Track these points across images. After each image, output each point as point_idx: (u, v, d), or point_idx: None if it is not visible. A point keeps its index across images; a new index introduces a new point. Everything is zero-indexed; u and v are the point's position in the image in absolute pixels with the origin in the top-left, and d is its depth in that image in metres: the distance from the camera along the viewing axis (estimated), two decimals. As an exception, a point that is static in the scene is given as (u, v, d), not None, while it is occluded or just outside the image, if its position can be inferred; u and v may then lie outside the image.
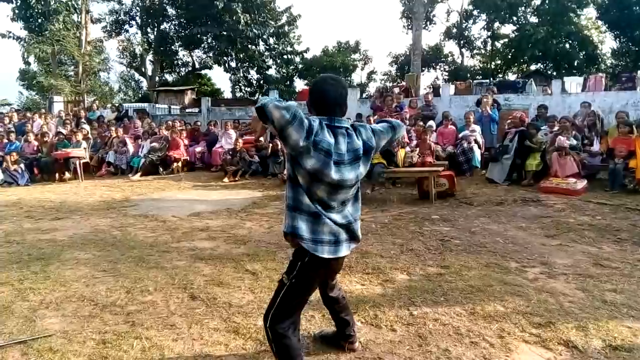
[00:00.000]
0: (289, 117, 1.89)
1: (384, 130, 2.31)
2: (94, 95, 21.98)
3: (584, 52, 26.47)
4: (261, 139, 10.93)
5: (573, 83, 15.40)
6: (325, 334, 2.78)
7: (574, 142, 7.86)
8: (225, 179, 9.89)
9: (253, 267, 4.13)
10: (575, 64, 26.39)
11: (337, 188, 2.07)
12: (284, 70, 29.37)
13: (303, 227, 2.06)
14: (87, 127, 12.86)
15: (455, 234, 5.21)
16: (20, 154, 10.94)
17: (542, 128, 8.87)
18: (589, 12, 27.58)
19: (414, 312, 3.14)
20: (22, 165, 10.46)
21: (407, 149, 8.90)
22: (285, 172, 2.12)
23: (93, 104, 16.79)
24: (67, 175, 10.62)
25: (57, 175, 10.69)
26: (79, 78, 19.72)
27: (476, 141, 9.52)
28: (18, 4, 19.76)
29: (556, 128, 8.47)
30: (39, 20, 20.21)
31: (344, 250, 2.17)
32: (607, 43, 28.57)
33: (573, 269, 3.98)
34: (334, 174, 2.01)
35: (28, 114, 14.91)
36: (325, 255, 2.10)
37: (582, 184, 7.29)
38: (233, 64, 27.80)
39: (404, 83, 17.85)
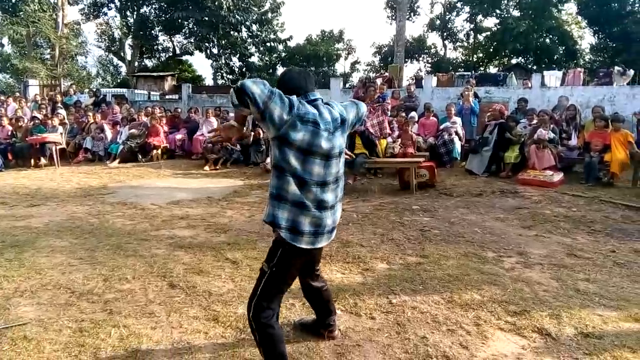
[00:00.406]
0: (267, 92, 1.93)
1: (349, 104, 2.41)
2: (70, 80, 21.46)
3: (563, 47, 26.95)
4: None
5: (552, 77, 15.65)
6: (305, 322, 2.80)
7: (552, 135, 8.01)
8: (206, 167, 9.80)
9: (233, 255, 4.12)
10: (555, 59, 26.87)
11: (329, 159, 2.12)
12: (266, 58, 29.15)
13: (284, 217, 2.08)
14: (63, 112, 12.53)
15: (434, 224, 5.28)
16: (-7, 139, 10.63)
17: (521, 121, 9.01)
18: (570, 8, 28.11)
19: (393, 300, 3.18)
20: (-5, 151, 10.17)
21: (389, 139, 8.94)
22: (267, 160, 2.13)
23: (70, 89, 16.38)
24: (43, 161, 10.36)
25: (32, 161, 10.42)
26: (56, 61, 19.20)
27: (457, 133, 9.61)
28: (-10, -18, 19.11)
29: (535, 121, 8.61)
30: (13, 1, 19.56)
31: (324, 241, 2.21)
32: (586, 38, 29.26)
33: (548, 259, 4.08)
34: (325, 143, 2.08)
35: (2, 98, 14.45)
36: (303, 246, 2.13)
37: (558, 176, 7.45)
38: (215, 51, 27.45)
39: (387, 74, 17.88)
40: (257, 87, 1.91)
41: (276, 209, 2.08)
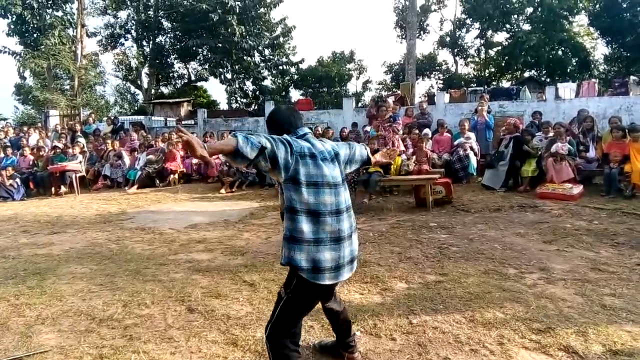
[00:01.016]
0: (272, 142, 1.98)
1: (342, 143, 2.51)
2: (90, 109, 21.98)
3: (576, 59, 26.77)
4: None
5: (567, 89, 15.53)
6: (324, 344, 2.77)
7: (569, 147, 7.90)
8: (222, 190, 9.88)
9: (251, 278, 4.11)
10: (569, 71, 26.67)
11: (336, 187, 2.19)
12: (279, 81, 29.53)
13: (302, 258, 2.09)
14: (82, 140, 12.83)
15: (453, 241, 5.21)
16: (15, 169, 10.92)
17: (537, 134, 8.91)
18: (581, 19, 28.00)
19: (414, 320, 3.13)
20: (17, 180, 10.43)
21: (403, 157, 8.91)
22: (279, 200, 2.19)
23: (89, 118, 16.79)
24: (63, 189, 10.59)
25: (53, 189, 10.66)
26: (75, 92, 19.73)
27: (472, 148, 9.54)
28: (13, 19, 19.85)
29: (551, 134, 8.51)
30: (35, 35, 20.30)
31: (346, 273, 2.22)
32: (599, 49, 28.96)
33: (571, 274, 3.98)
34: (327, 170, 2.16)
35: (24, 128, 14.89)
36: (327, 282, 2.14)
37: (578, 189, 7.32)
38: (229, 76, 27.94)
39: (399, 92, 17.94)
40: (266, 142, 1.95)
41: (293, 251, 2.10)
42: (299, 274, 2.10)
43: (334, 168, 2.23)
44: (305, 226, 2.08)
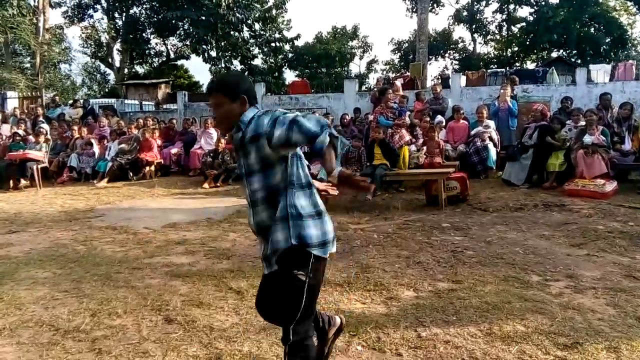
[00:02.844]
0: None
1: (290, 120, 2.09)
2: (53, 90, 21.89)
3: (611, 37, 26.76)
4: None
5: (600, 71, 15.56)
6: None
7: (603, 138, 7.90)
8: (205, 185, 9.88)
9: (237, 284, 4.12)
10: (602, 50, 26.66)
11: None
12: (271, 60, 29.49)
13: (313, 234, 2.16)
14: (46, 126, 12.77)
15: (468, 244, 5.23)
16: (-32, 159, 10.88)
17: (567, 123, 8.89)
18: (617, -8, 27.98)
19: (422, 333, 3.14)
20: (-30, 172, 10.39)
21: (412, 148, 8.91)
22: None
23: (52, 100, 16.73)
24: (23, 182, 10.56)
25: (11, 182, 10.61)
26: (36, 71, 19.64)
27: (491, 138, 9.54)
28: (-35, -14, 19.70)
29: (582, 123, 8.50)
30: (-11, 6, 20.18)
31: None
32: (638, 26, 28.96)
33: (602, 282, 4.00)
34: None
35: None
36: (333, 250, 2.28)
37: (611, 185, 7.34)
38: (213, 53, 27.85)
39: (408, 73, 17.94)
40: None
41: (302, 228, 2.16)
42: (309, 250, 2.15)
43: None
44: (306, 199, 2.20)
